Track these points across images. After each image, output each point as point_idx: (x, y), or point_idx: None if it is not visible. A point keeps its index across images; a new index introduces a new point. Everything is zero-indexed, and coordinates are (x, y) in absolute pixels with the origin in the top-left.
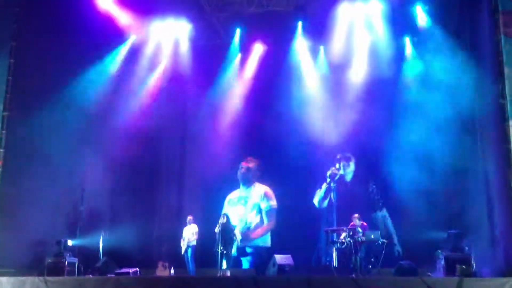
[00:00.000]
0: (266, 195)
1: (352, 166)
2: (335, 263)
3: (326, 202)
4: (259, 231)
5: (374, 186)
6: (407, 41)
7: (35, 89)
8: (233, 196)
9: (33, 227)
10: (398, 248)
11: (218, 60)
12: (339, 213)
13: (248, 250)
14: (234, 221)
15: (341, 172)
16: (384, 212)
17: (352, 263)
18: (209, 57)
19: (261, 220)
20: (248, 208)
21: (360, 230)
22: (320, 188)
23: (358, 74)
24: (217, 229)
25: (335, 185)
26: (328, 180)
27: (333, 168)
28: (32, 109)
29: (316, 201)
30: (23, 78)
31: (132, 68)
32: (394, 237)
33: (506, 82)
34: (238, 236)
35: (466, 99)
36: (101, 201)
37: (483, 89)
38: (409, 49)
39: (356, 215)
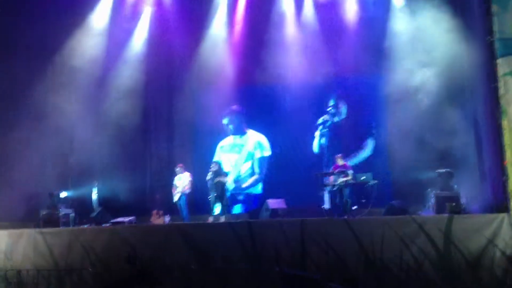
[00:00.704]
0: (261, 144)
1: (343, 111)
2: (327, 205)
3: (318, 147)
4: (250, 180)
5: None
6: None
7: (24, 48)
8: (226, 142)
9: (24, 180)
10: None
11: (203, 8)
12: (331, 156)
13: (240, 197)
14: (226, 168)
15: (335, 117)
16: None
17: (343, 205)
18: (193, 5)
19: (253, 170)
20: (242, 156)
21: (350, 172)
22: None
23: (346, 13)
24: (208, 177)
25: (326, 130)
26: (320, 127)
27: (325, 116)
28: (18, 62)
29: (314, 147)
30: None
31: (116, 21)
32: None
33: (494, 19)
34: (231, 184)
35: (455, 41)
36: (91, 153)
37: (472, 31)
38: None
39: (339, 155)
